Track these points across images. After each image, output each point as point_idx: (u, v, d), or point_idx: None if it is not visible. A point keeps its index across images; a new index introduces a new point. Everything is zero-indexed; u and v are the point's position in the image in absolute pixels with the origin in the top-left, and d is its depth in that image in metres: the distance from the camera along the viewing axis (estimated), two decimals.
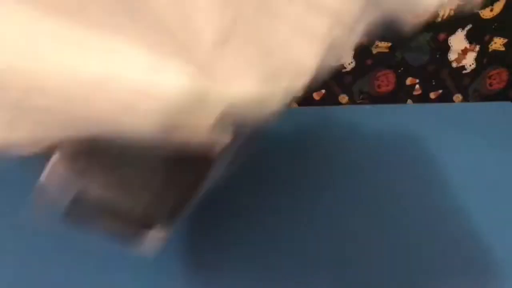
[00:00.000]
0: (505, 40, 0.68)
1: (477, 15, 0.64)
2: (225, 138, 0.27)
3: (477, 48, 0.68)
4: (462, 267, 0.46)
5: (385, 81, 0.69)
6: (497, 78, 0.72)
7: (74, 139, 0.26)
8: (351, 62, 0.67)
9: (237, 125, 0.27)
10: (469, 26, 0.65)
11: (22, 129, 0.26)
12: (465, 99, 0.73)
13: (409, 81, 0.70)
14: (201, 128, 0.26)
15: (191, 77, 0.25)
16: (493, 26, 0.66)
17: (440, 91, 0.71)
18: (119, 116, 0.25)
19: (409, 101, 0.72)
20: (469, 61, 0.69)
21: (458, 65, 0.69)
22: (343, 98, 0.70)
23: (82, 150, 0.28)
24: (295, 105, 0.69)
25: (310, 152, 0.58)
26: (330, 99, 0.69)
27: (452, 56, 0.68)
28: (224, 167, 0.31)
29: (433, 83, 0.70)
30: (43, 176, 0.28)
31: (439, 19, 0.64)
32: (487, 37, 0.67)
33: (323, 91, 0.69)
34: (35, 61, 0.25)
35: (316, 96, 0.69)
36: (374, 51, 0.66)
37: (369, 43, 0.65)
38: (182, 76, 0.25)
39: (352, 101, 0.70)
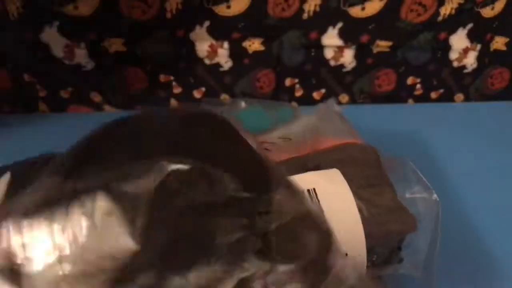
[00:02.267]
0: (507, 39, 0.68)
1: (478, 14, 0.64)
2: None
3: (479, 47, 0.67)
4: (463, 267, 0.46)
5: (386, 80, 0.69)
6: (498, 78, 0.71)
7: None
8: (352, 62, 0.66)
9: None
10: (470, 25, 0.65)
11: None
12: (467, 98, 0.72)
13: (410, 80, 0.70)
14: None
15: None
16: (494, 25, 0.65)
17: (441, 90, 0.71)
18: None
19: (410, 100, 0.72)
20: (471, 61, 0.69)
21: (459, 65, 0.69)
22: (344, 97, 0.70)
23: None
24: (295, 105, 0.69)
25: None
26: None
27: (453, 55, 0.68)
28: None
29: (434, 82, 0.70)
30: None
31: (440, 18, 0.63)
32: (488, 36, 0.67)
33: (323, 90, 0.69)
34: None
35: (316, 96, 0.69)
36: (375, 50, 0.65)
37: (369, 42, 0.65)
38: None
39: (352, 100, 0.70)
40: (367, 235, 0.31)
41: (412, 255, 0.35)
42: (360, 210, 0.32)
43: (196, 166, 0.26)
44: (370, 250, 0.32)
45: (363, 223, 0.31)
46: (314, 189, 0.33)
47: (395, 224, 0.33)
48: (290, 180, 0.28)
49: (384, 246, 0.33)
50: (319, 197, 0.32)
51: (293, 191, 0.27)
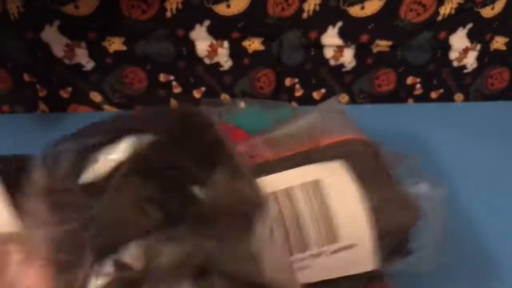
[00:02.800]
0: (507, 39, 0.68)
1: (478, 13, 0.64)
2: None
3: (478, 47, 0.67)
4: (463, 267, 0.46)
5: (386, 80, 0.69)
6: (498, 78, 0.71)
7: None
8: (351, 61, 0.66)
9: None
10: (470, 25, 0.65)
11: None
12: (466, 98, 0.72)
13: (410, 80, 0.69)
14: None
15: None
16: (494, 25, 0.65)
17: (441, 90, 0.71)
18: None
19: (410, 100, 0.72)
20: (470, 60, 0.69)
21: (459, 64, 0.69)
22: (344, 97, 0.70)
23: None
24: (295, 105, 0.69)
25: None
26: None
27: (453, 55, 0.68)
28: None
29: (434, 82, 0.70)
30: None
31: (440, 18, 0.63)
32: (488, 36, 0.67)
33: (323, 90, 0.69)
34: None
35: (316, 95, 0.69)
36: (375, 50, 0.65)
37: (369, 42, 0.65)
38: None
39: (352, 100, 0.70)
40: (373, 226, 0.31)
41: (419, 250, 0.35)
42: (364, 201, 0.32)
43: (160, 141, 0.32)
44: (377, 243, 0.32)
45: (368, 214, 0.32)
46: (318, 180, 0.33)
47: (400, 213, 0.33)
48: (240, 167, 0.32)
49: (391, 238, 0.33)
50: (323, 189, 0.32)
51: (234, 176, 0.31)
